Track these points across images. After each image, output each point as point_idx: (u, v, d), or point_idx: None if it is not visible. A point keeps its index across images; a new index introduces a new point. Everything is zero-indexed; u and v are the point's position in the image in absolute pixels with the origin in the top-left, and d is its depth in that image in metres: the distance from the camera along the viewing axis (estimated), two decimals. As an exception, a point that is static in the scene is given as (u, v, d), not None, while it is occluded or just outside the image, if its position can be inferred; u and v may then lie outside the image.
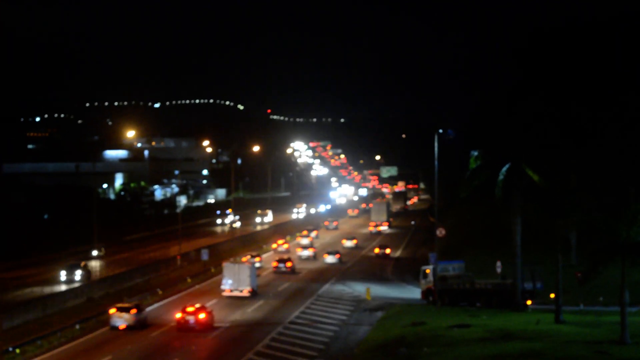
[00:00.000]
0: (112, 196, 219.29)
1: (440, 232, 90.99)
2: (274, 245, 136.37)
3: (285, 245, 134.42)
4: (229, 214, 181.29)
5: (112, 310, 69.72)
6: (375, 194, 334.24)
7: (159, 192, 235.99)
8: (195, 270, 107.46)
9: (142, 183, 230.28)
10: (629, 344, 51.63)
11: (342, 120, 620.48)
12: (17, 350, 59.13)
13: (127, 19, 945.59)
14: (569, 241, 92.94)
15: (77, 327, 68.44)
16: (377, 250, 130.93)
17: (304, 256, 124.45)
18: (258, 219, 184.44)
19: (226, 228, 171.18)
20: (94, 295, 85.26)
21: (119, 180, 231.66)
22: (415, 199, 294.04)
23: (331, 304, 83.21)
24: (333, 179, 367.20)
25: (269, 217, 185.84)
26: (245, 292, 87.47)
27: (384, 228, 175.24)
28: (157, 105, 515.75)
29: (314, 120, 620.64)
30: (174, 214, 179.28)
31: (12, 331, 65.87)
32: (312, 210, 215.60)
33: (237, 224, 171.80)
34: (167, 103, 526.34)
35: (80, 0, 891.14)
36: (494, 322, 63.55)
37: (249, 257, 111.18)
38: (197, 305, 69.98)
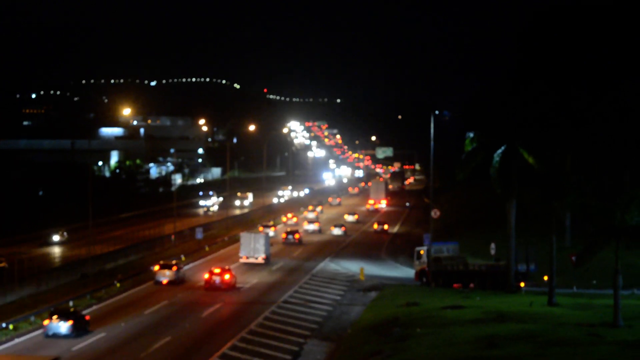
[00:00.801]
0: (107, 174, 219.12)
1: (435, 213, 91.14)
2: (284, 219, 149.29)
3: (294, 219, 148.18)
4: (212, 194, 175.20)
5: (156, 268, 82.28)
6: (370, 175, 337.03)
7: (154, 170, 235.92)
8: (190, 248, 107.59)
9: (138, 161, 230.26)
10: (622, 326, 51.75)
11: (338, 100, 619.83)
12: (11, 327, 59.16)
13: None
14: (564, 223, 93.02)
15: (71, 303, 68.56)
16: (376, 226, 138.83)
17: (310, 230, 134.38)
18: (237, 202, 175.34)
19: (204, 211, 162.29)
20: (88, 272, 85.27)
21: (114, 158, 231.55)
22: (411, 179, 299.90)
23: (329, 280, 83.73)
24: (331, 161, 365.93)
25: (249, 199, 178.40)
26: (260, 260, 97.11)
27: (382, 206, 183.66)
28: (153, 83, 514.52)
29: (310, 100, 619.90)
30: (169, 192, 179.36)
31: (5, 307, 66.01)
32: (295, 194, 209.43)
33: (215, 208, 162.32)
34: (164, 81, 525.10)
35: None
36: (487, 304, 63.66)
37: (263, 227, 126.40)
38: (224, 268, 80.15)
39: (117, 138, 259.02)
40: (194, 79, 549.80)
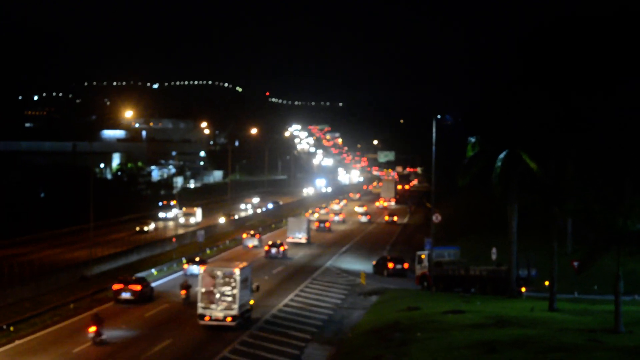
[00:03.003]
0: (109, 176, 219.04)
1: (437, 217, 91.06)
2: (318, 209, 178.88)
3: (326, 209, 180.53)
4: (174, 206, 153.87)
5: (245, 235, 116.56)
6: (372, 178, 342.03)
7: (155, 173, 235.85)
8: (191, 251, 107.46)
9: (139, 163, 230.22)
10: (623, 332, 51.67)
11: (340, 104, 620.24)
12: (11, 328, 59.14)
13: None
14: (565, 229, 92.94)
15: (72, 306, 68.55)
16: (387, 218, 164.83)
17: (336, 220, 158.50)
18: (182, 220, 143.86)
19: (136, 230, 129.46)
20: (88, 274, 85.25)
21: (116, 160, 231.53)
22: (415, 181, 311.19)
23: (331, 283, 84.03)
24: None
25: (198, 217, 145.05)
26: (303, 239, 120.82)
27: (391, 204, 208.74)
28: (155, 85, 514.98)
29: (313, 103, 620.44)
30: (170, 195, 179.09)
31: (5, 309, 66.00)
32: (251, 210, 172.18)
33: (151, 227, 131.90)
34: (166, 84, 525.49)
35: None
36: (488, 309, 63.58)
37: (310, 212, 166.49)
38: (279, 241, 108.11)
39: (118, 140, 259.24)
40: (196, 82, 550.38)
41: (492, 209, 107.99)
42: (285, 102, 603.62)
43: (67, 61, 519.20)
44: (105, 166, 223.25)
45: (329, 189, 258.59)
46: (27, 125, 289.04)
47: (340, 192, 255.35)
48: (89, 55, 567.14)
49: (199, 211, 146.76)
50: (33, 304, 68.96)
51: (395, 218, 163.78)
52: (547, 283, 69.40)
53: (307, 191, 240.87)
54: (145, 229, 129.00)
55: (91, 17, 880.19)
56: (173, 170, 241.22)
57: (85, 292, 74.48)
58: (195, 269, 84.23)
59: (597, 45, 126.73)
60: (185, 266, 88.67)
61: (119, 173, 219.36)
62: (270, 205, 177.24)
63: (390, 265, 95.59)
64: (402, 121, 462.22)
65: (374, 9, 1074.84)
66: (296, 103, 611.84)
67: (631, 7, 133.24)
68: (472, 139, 75.19)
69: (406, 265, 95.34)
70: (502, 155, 71.39)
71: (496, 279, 76.77)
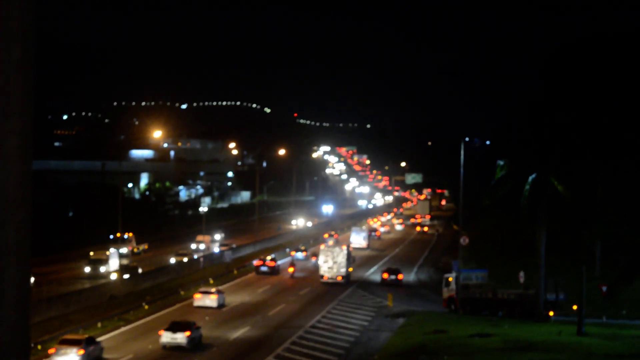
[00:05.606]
0: (137, 196, 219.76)
1: (464, 240, 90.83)
2: (369, 221, 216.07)
3: (375, 221, 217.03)
4: (128, 238, 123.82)
5: (326, 235, 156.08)
6: (399, 200, 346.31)
7: (183, 193, 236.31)
8: (218, 271, 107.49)
9: (167, 183, 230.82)
10: (651, 358, 51.32)
11: (368, 126, 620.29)
12: (39, 347, 59.34)
13: (157, 19, 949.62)
14: (594, 253, 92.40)
15: (99, 324, 68.72)
16: (418, 229, 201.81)
17: (382, 231, 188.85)
18: (87, 269, 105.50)
19: None
20: (117, 294, 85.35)
21: (144, 179, 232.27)
22: (443, 202, 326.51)
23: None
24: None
25: (111, 265, 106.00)
26: (364, 245, 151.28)
27: (425, 219, 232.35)
28: (184, 106, 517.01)
29: (341, 125, 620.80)
30: (198, 215, 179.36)
31: (33, 328, 66.09)
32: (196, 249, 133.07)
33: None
34: (194, 104, 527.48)
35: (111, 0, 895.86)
36: (515, 332, 63.29)
37: (371, 223, 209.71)
38: (345, 244, 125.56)
39: (147, 160, 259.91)
40: (224, 103, 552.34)
41: (520, 232, 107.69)
42: (313, 123, 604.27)
43: (96, 81, 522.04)
44: (133, 186, 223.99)
45: (313, 223, 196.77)
46: (56, 144, 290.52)
47: (349, 219, 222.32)
48: (118, 75, 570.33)
49: (113, 258, 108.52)
50: (61, 323, 69.16)
51: (425, 229, 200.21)
52: (575, 307, 69.02)
53: (297, 223, 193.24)
54: None
55: (121, 37, 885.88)
56: (201, 191, 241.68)
57: (113, 311, 74.72)
58: (300, 255, 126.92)
59: (624, 66, 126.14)
60: (292, 253, 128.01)
61: (147, 193, 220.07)
62: (216, 250, 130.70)
63: (385, 275, 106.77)
64: (429, 143, 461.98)
65: (402, 34, 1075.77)
66: (324, 124, 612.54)
67: None
68: (501, 162, 75.12)
69: (400, 277, 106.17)
70: (531, 179, 71.18)
71: (524, 303, 76.43)
